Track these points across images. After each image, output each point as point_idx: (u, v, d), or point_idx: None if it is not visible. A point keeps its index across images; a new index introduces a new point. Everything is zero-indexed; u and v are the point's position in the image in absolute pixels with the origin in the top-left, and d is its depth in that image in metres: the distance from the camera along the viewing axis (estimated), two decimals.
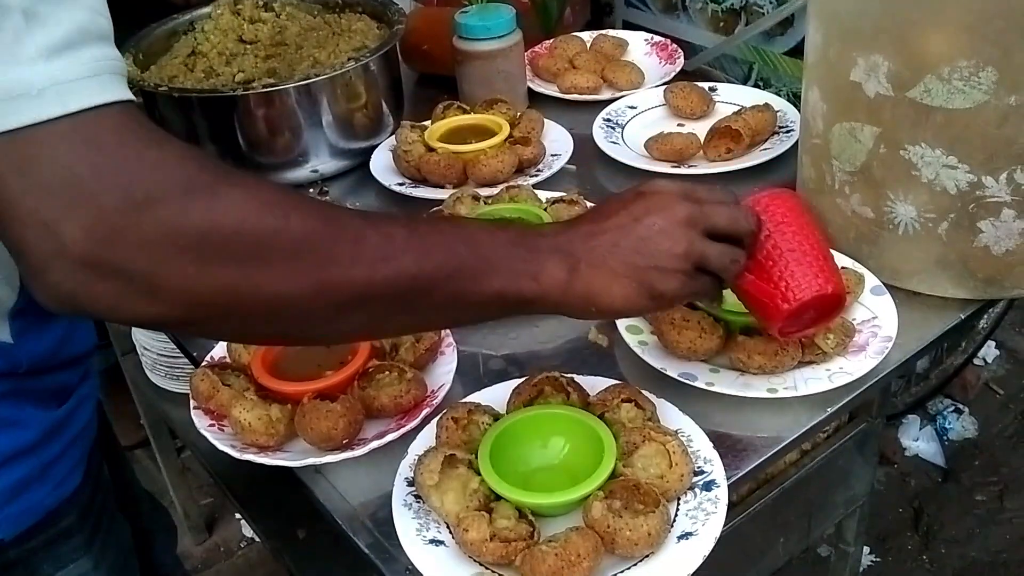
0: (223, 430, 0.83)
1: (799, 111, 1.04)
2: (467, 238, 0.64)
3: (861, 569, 1.75)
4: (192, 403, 0.85)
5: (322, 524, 0.81)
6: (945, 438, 2.04)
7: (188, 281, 0.52)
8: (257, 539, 1.89)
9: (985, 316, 2.00)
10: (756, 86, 1.59)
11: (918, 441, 2.03)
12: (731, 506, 1.05)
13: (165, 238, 0.51)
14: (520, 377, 0.84)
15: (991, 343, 2.19)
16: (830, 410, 0.82)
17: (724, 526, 1.01)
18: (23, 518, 0.72)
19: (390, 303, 0.60)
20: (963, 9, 0.78)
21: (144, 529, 1.00)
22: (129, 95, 0.53)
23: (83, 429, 0.78)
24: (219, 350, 0.91)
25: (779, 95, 1.54)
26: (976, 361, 2.15)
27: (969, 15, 0.77)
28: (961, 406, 2.09)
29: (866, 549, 1.78)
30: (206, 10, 1.33)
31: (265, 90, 1.13)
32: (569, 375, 0.81)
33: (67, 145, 0.49)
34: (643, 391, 0.79)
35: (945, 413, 2.07)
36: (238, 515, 1.93)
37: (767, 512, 1.09)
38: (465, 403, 0.79)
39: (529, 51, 1.41)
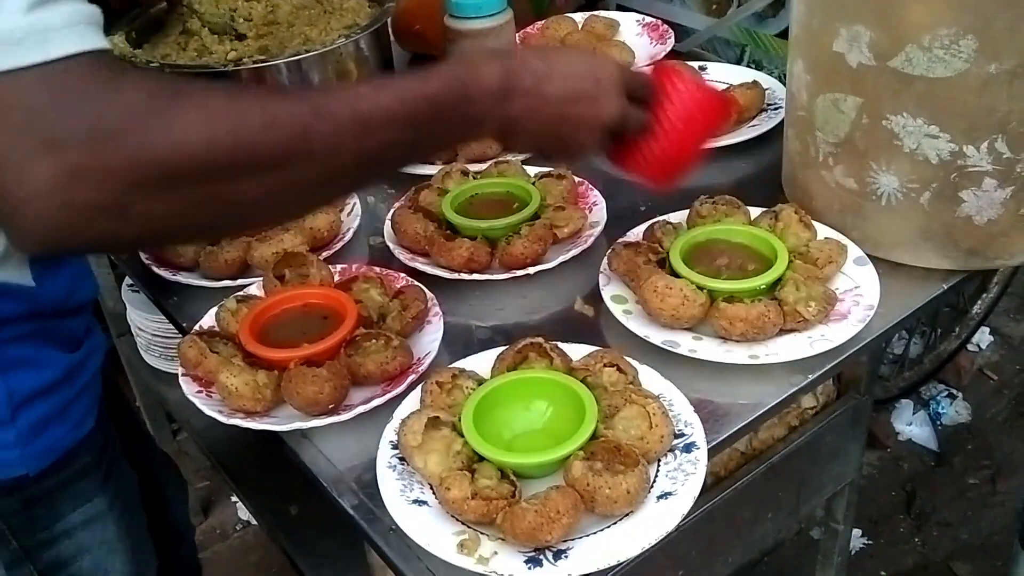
0: (211, 396, 0.84)
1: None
2: (407, 110, 0.66)
3: (854, 552, 1.76)
4: (180, 370, 0.86)
5: (313, 500, 0.81)
6: (938, 423, 2.04)
7: (158, 205, 0.55)
8: (252, 522, 1.90)
9: (979, 301, 2.01)
10: (748, 68, 1.59)
11: (911, 425, 2.04)
12: (720, 480, 1.07)
13: (130, 171, 0.53)
14: (506, 346, 0.85)
15: (985, 329, 2.19)
16: (811, 376, 0.83)
17: (714, 499, 1.03)
18: (46, 455, 0.77)
19: (345, 181, 0.67)
20: None
21: (157, 483, 1.06)
22: (105, 44, 0.55)
23: (93, 377, 0.82)
24: (208, 319, 0.92)
25: (771, 76, 1.54)
26: (970, 347, 2.15)
27: None
28: (955, 391, 2.10)
29: (858, 532, 1.79)
30: None
31: (256, 66, 1.13)
32: (553, 342, 0.82)
33: (39, 90, 0.51)
34: (626, 357, 0.80)
35: (939, 398, 2.08)
36: (234, 498, 1.94)
37: (756, 487, 1.09)
38: (450, 368, 0.80)
39: (520, 32, 1.42)
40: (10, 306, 0.71)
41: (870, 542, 1.81)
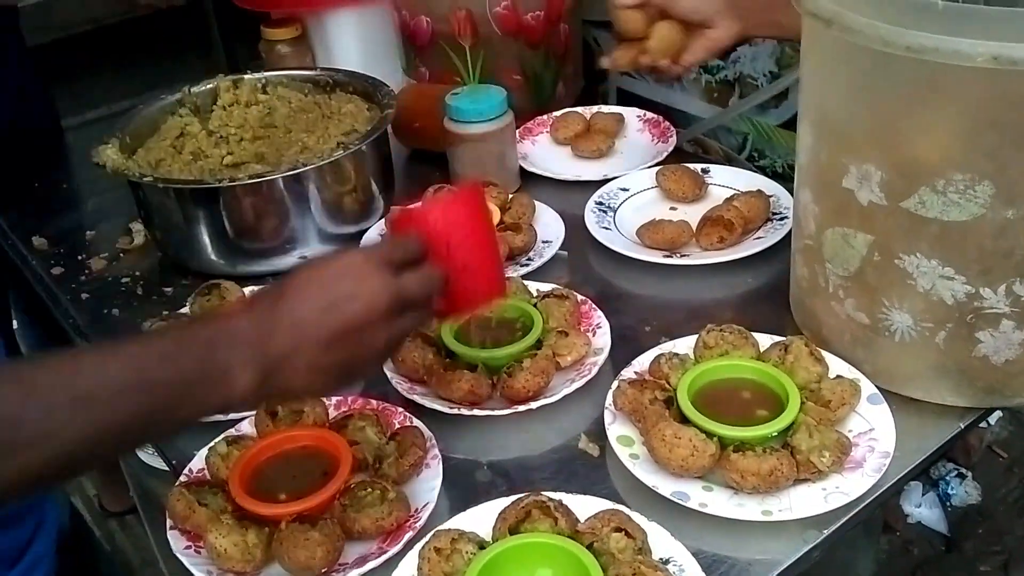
0: (199, 552, 0.80)
1: (792, 192, 1.02)
2: (140, 377, 0.60)
3: None
4: (168, 523, 0.83)
5: None
6: (948, 504, 2.00)
7: None
8: None
9: None
10: (750, 157, 1.58)
11: (920, 507, 2.00)
12: None
13: None
14: (508, 490, 0.82)
15: None
16: (827, 532, 0.80)
17: None
18: None
19: (68, 467, 0.58)
20: (954, 122, 0.76)
21: None
22: None
23: None
24: (197, 462, 0.89)
25: (774, 166, 1.53)
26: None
27: (961, 129, 0.76)
28: (964, 470, 2.06)
29: None
30: (196, 88, 1.32)
31: (252, 181, 1.11)
32: (557, 497, 0.78)
33: None
34: (634, 516, 0.77)
35: (948, 478, 2.04)
36: None
37: None
38: (448, 531, 0.76)
39: (522, 127, 1.40)
40: None
41: None
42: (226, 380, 0.62)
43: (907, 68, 0.76)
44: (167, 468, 1.50)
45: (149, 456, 1.55)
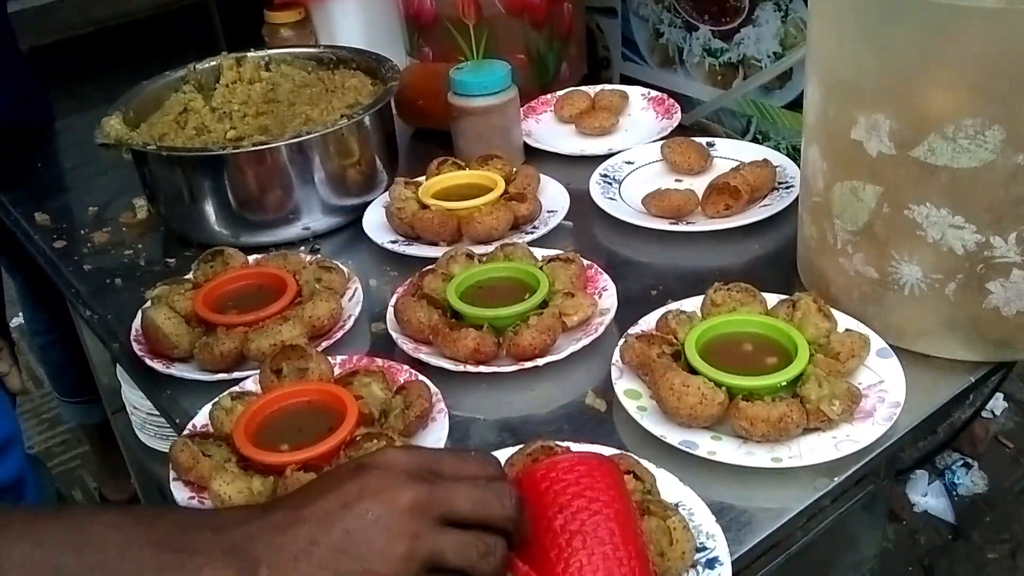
0: (203, 503, 0.79)
1: (799, 166, 1.02)
2: (90, 558, 0.50)
3: None
4: (172, 474, 0.82)
5: None
6: (954, 493, 2.00)
7: None
8: None
9: None
10: (755, 139, 1.57)
11: (927, 496, 1.99)
12: (736, 573, 1.02)
13: None
14: (515, 444, 0.81)
15: (999, 395, 2.15)
16: (837, 479, 0.79)
17: None
18: None
19: None
20: (967, 68, 0.76)
21: None
22: None
23: None
24: (201, 417, 0.88)
25: (778, 148, 1.52)
26: (984, 414, 2.11)
27: (973, 74, 0.75)
28: (970, 460, 2.05)
29: None
30: (201, 66, 1.33)
31: (255, 148, 1.11)
32: (565, 444, 0.77)
33: None
34: (642, 461, 0.76)
35: (954, 468, 2.03)
36: None
37: None
38: None
39: (526, 105, 1.40)
40: None
41: None
42: (190, 567, 0.51)
43: (916, 15, 0.76)
44: (167, 451, 1.50)
45: (150, 438, 1.54)
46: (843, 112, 0.84)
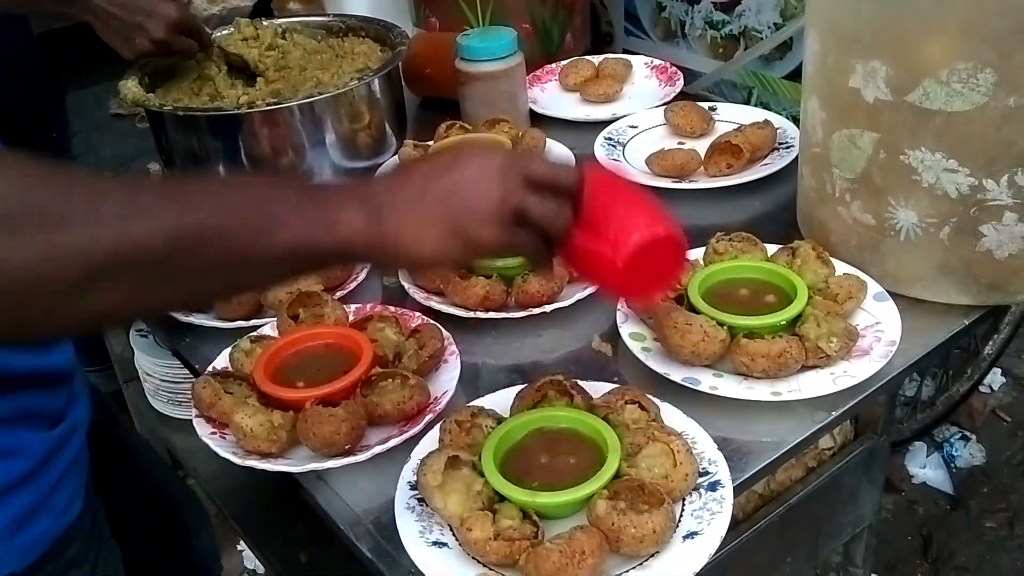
0: (225, 438, 0.82)
1: (799, 129, 1.04)
2: (244, 189, 0.59)
3: None
4: (194, 412, 0.85)
5: (324, 546, 0.80)
6: (953, 465, 2.02)
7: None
8: (259, 570, 1.87)
9: (990, 342, 1.99)
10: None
11: (925, 468, 2.01)
12: (738, 523, 1.05)
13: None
14: (524, 384, 0.84)
15: (997, 370, 2.18)
16: (835, 413, 0.82)
17: (732, 543, 1.01)
18: (31, 549, 0.71)
19: (145, 269, 0.53)
20: (960, 11, 0.78)
21: (179, 514, 1.05)
22: None
23: (78, 453, 0.77)
24: (221, 360, 0.91)
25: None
26: (982, 388, 2.13)
27: (966, 17, 0.78)
28: (968, 433, 2.08)
29: None
30: (218, 34, 1.35)
31: (268, 108, 1.14)
32: (573, 379, 0.80)
33: None
34: (647, 394, 0.79)
35: (952, 440, 2.05)
36: (240, 546, 1.91)
37: (774, 530, 1.08)
38: (469, 407, 0.79)
39: (531, 74, 1.43)
40: None
41: None
42: (328, 208, 0.60)
43: None
44: (179, 416, 1.53)
45: (162, 404, 1.57)
46: (841, 61, 0.87)
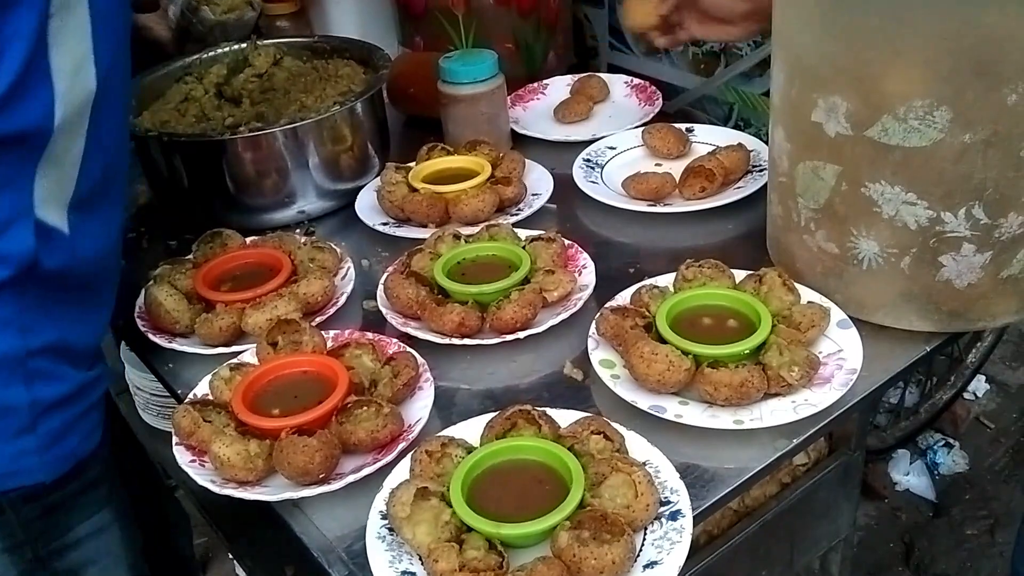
0: (204, 465, 0.85)
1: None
2: None
3: None
4: (174, 439, 0.87)
5: (309, 562, 0.82)
6: (936, 472, 2.05)
7: None
8: None
9: (974, 350, 2.02)
10: (736, 126, 1.62)
11: (908, 475, 2.04)
12: (713, 538, 1.07)
13: None
14: (496, 411, 0.86)
15: (980, 377, 2.20)
16: (796, 441, 0.84)
17: (707, 559, 1.03)
18: (61, 463, 0.84)
19: None
20: (917, 51, 0.80)
21: (165, 517, 1.17)
22: None
23: (99, 400, 0.89)
24: (202, 387, 0.93)
25: (759, 134, 1.56)
26: (966, 395, 2.16)
27: (922, 56, 0.80)
28: (951, 440, 2.10)
29: None
30: (206, 54, 1.37)
31: (252, 134, 1.16)
32: (541, 408, 0.83)
33: None
34: (612, 424, 0.81)
35: (935, 447, 2.08)
36: (231, 555, 1.93)
37: (749, 545, 1.10)
38: (439, 437, 0.81)
39: (513, 93, 1.45)
40: (52, 257, 0.78)
41: None
42: None
43: (871, 2, 0.81)
44: (169, 430, 1.55)
45: (152, 418, 1.59)
46: (804, 95, 0.89)
